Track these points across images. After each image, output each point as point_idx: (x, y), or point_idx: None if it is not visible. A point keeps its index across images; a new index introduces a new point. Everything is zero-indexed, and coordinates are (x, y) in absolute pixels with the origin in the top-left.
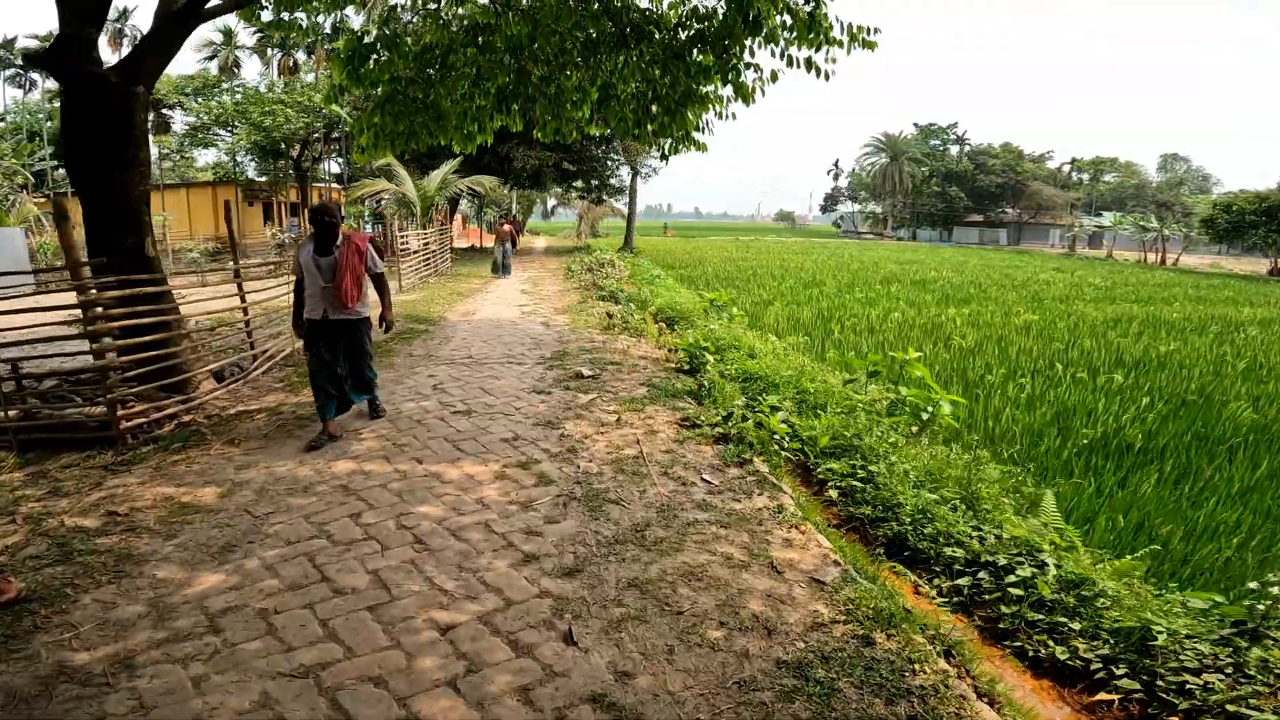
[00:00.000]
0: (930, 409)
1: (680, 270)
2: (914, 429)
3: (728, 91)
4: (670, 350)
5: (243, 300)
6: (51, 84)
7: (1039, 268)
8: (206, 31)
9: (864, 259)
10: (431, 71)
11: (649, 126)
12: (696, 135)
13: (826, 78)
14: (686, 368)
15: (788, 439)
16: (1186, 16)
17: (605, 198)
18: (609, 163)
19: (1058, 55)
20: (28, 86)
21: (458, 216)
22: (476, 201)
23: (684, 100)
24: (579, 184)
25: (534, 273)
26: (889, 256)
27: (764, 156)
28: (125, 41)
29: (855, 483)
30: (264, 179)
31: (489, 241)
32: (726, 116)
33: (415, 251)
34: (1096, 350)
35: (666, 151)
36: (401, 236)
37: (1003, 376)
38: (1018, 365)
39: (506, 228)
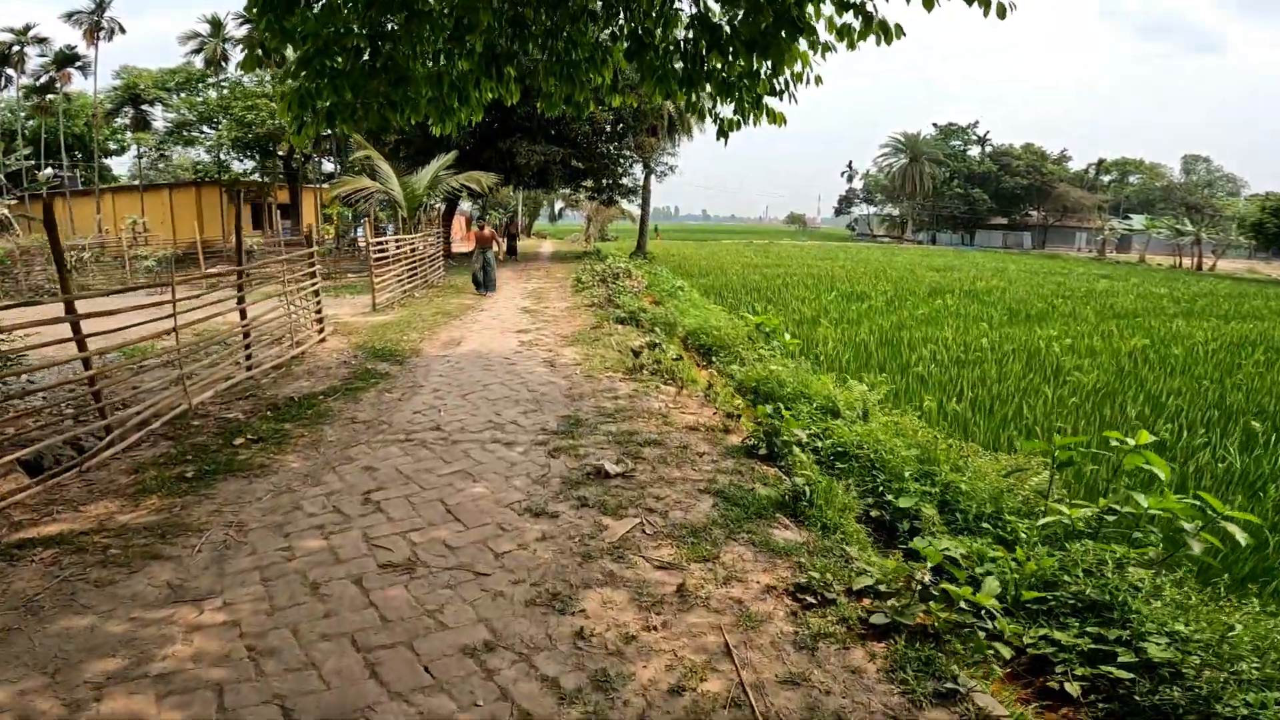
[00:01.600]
0: (1192, 529)
1: (701, 279)
2: (1150, 557)
3: (823, 38)
4: (730, 416)
5: (77, 336)
6: (27, 79)
7: (1084, 274)
8: (193, 23)
9: (894, 265)
10: (391, 21)
11: (703, 87)
12: (771, 102)
13: (1002, 13)
14: (762, 449)
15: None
16: (1191, 21)
17: (617, 199)
18: (621, 160)
19: (1056, 56)
20: (3, 83)
21: (459, 218)
22: (480, 202)
23: (771, 38)
24: (588, 183)
25: (538, 283)
26: (919, 262)
27: (768, 157)
28: (102, 35)
29: (1115, 670)
30: (249, 179)
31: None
32: (809, 80)
33: (397, 258)
34: (1257, 388)
35: (727, 126)
36: (377, 242)
37: (1172, 434)
38: (1177, 415)
39: (488, 231)
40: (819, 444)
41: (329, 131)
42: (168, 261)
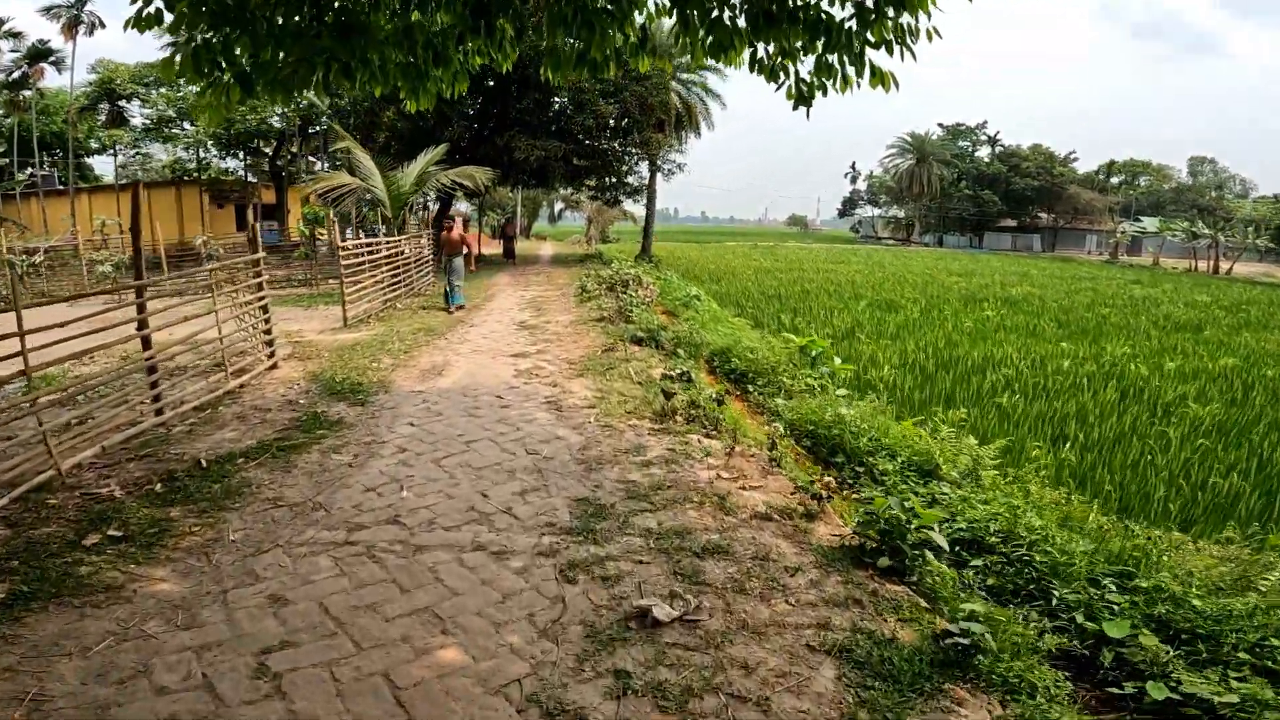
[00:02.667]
0: None
1: (713, 286)
2: None
3: None
4: (813, 495)
5: None
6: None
7: (1113, 280)
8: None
9: (911, 269)
10: None
11: (769, 38)
12: (880, 59)
13: None
14: (881, 555)
15: None
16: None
17: (622, 198)
18: (625, 157)
19: (1054, 60)
20: None
21: (456, 219)
22: (476, 201)
23: None
24: (590, 182)
25: (538, 291)
26: (935, 266)
27: (767, 159)
28: (81, 29)
29: None
30: (231, 177)
31: (493, 248)
32: (922, 33)
33: (376, 263)
34: None
35: (808, 90)
36: (347, 246)
37: None
38: None
39: (455, 233)
40: (942, 529)
41: (251, 100)
42: (126, 266)
